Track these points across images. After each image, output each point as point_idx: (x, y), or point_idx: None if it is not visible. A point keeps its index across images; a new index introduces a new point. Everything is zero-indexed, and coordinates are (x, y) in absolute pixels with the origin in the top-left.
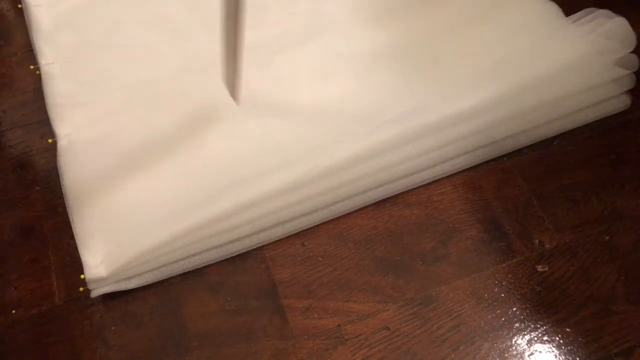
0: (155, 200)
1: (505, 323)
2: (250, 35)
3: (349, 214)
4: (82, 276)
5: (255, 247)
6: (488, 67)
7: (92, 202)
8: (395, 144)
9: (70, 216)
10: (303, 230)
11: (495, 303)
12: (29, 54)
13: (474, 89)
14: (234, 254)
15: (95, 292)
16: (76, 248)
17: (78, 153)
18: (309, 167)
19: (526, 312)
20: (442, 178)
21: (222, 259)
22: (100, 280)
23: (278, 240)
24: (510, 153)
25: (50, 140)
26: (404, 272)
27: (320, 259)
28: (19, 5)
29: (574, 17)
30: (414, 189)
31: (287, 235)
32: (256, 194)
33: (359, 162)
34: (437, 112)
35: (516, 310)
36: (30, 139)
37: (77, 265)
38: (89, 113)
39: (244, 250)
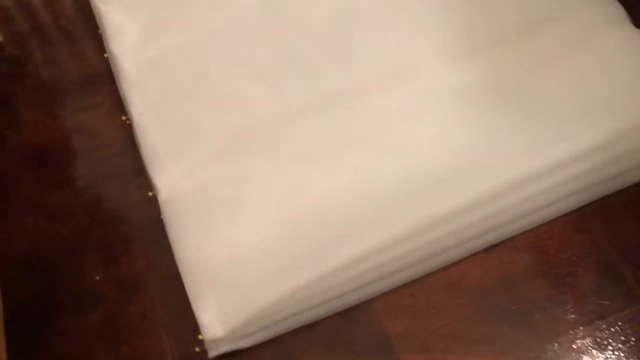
0: (261, 252)
1: None
2: (337, 77)
3: (458, 261)
4: (200, 337)
5: (364, 299)
6: (592, 104)
7: (200, 257)
8: (503, 190)
9: (181, 273)
10: (411, 280)
11: (621, 353)
12: (118, 103)
13: (580, 128)
14: (344, 308)
15: (213, 352)
16: (184, 304)
17: (179, 205)
18: (421, 216)
19: None
20: (549, 220)
21: (333, 313)
22: (218, 340)
23: (386, 292)
24: (617, 191)
25: (150, 194)
26: (521, 321)
27: (433, 310)
28: (105, 55)
29: None
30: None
31: (396, 286)
32: (367, 247)
33: (469, 210)
34: (545, 156)
35: None
36: (127, 191)
37: (187, 322)
38: (185, 163)
39: (355, 304)
